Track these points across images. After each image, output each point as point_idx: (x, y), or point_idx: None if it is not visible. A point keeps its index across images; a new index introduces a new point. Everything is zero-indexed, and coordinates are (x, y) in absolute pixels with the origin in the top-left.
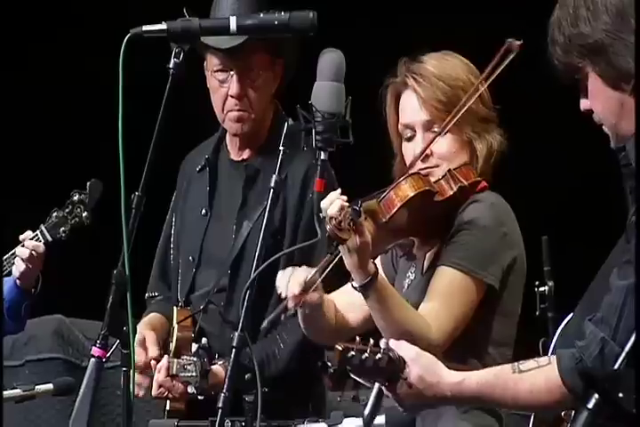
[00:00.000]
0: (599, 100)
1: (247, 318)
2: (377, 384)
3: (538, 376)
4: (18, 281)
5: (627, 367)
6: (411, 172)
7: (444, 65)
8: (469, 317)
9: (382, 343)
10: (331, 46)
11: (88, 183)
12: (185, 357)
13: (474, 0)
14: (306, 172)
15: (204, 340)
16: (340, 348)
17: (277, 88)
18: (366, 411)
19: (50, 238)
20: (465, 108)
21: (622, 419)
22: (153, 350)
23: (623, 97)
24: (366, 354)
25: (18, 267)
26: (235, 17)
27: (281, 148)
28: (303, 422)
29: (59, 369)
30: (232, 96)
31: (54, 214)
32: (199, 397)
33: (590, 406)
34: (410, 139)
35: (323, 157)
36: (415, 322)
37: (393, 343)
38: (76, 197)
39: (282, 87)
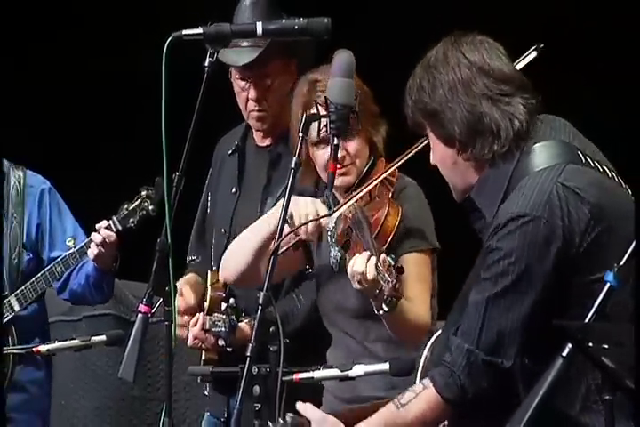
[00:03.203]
0: (437, 157)
1: (270, 279)
2: None
3: (419, 403)
4: (95, 263)
5: (595, 321)
6: (388, 202)
7: None
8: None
9: (288, 417)
10: (342, 47)
11: (156, 179)
12: (216, 314)
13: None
14: None
15: (231, 300)
16: None
17: (294, 84)
18: None
19: (120, 228)
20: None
21: (595, 367)
22: (189, 296)
23: (455, 157)
24: None
25: (92, 250)
26: (260, 22)
27: (300, 134)
28: (319, 368)
29: (111, 323)
30: (251, 99)
31: (125, 207)
32: (227, 349)
33: (564, 354)
34: (320, 146)
35: (336, 142)
36: (419, 317)
37: (300, 407)
38: (144, 193)
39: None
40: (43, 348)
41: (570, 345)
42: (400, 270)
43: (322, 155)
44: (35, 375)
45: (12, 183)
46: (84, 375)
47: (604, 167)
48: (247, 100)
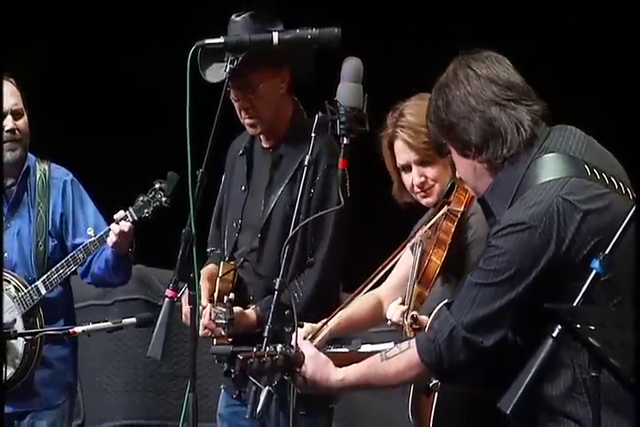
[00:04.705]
0: (460, 168)
1: (285, 268)
2: (267, 387)
3: (401, 360)
4: (112, 249)
5: (583, 305)
6: (435, 245)
7: (421, 112)
8: None
9: (279, 347)
10: (352, 55)
11: (168, 173)
12: (219, 307)
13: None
14: (317, 153)
15: (231, 295)
16: (241, 357)
17: (289, 89)
18: (258, 409)
19: (136, 218)
20: None
21: (583, 347)
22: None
23: (473, 163)
24: (264, 358)
25: (111, 239)
26: (277, 32)
27: (313, 134)
28: (329, 348)
29: (140, 307)
30: (241, 108)
31: (139, 199)
32: (229, 339)
33: (555, 334)
34: (406, 171)
35: (345, 141)
36: None
37: (300, 341)
38: (157, 186)
39: (296, 87)
40: (78, 329)
41: (559, 327)
42: (418, 331)
43: (407, 179)
44: (60, 353)
45: (37, 176)
46: (116, 354)
47: (612, 178)
48: (240, 109)
